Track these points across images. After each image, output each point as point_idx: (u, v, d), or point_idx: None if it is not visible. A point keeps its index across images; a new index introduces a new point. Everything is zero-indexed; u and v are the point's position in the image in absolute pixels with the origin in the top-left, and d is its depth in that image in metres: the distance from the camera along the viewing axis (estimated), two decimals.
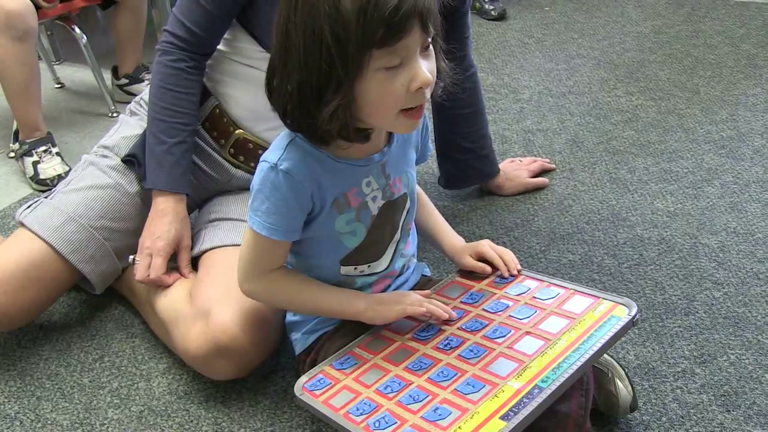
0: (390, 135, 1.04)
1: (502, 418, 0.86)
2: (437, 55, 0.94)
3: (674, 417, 1.15)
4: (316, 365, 1.06)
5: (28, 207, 1.37)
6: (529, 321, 1.03)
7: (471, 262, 1.16)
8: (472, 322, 1.05)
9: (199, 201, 1.48)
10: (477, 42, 2.78)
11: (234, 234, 1.33)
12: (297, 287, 1.06)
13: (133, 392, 1.27)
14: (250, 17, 1.32)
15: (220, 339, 1.15)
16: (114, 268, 1.38)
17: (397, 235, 1.09)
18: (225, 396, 1.25)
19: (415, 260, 1.19)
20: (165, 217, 1.31)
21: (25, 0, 1.95)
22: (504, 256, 1.15)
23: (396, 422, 0.91)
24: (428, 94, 0.92)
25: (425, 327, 1.06)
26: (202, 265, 1.31)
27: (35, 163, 2.00)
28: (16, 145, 2.07)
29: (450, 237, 1.21)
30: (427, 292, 1.11)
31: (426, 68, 0.89)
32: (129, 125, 1.44)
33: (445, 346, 1.02)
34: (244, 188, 1.39)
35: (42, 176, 1.99)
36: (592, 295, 1.06)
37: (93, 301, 1.49)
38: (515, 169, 1.82)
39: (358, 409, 0.94)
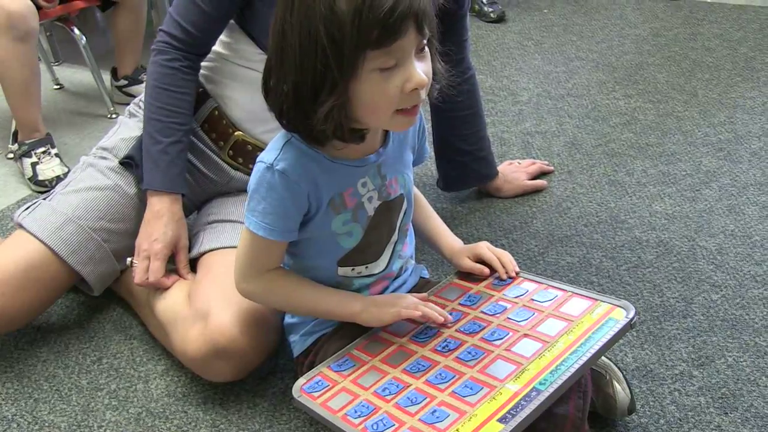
0: (386, 136, 1.04)
1: (500, 420, 0.86)
2: (433, 57, 0.94)
3: (672, 419, 1.15)
4: (314, 367, 1.06)
5: (27, 208, 1.37)
6: (527, 323, 1.03)
7: (469, 264, 1.16)
8: (470, 324, 1.05)
9: (197, 203, 1.48)
10: (476, 44, 2.79)
11: (233, 236, 1.33)
12: (293, 288, 1.06)
13: (131, 394, 1.27)
14: (249, 19, 1.33)
15: (219, 341, 1.15)
16: (112, 270, 1.38)
17: (395, 236, 1.09)
18: (223, 398, 1.25)
19: (413, 262, 1.19)
20: (161, 218, 1.31)
21: (27, 1, 1.96)
22: (502, 258, 1.15)
23: (394, 424, 0.91)
24: (423, 95, 0.92)
25: (423, 329, 1.06)
26: (201, 266, 1.31)
27: (34, 164, 2.00)
28: (15, 146, 2.07)
29: (448, 239, 1.21)
30: (424, 295, 1.11)
31: (421, 69, 0.90)
32: (128, 127, 1.44)
33: (443, 348, 1.02)
34: (243, 190, 1.39)
35: (41, 177, 1.99)
36: (590, 298, 1.06)
37: (91, 302, 1.49)
38: (514, 171, 1.82)
39: (356, 412, 0.94)
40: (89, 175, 1.38)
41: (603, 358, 1.10)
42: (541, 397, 0.88)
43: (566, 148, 2.00)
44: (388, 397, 0.95)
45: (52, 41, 2.81)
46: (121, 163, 1.38)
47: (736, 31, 2.76)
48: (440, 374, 0.97)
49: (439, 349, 1.02)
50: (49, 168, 2.00)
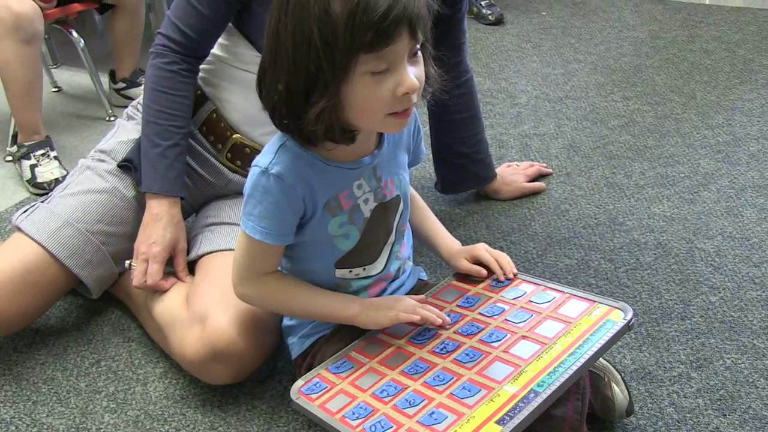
0: (380, 138, 1.04)
1: (498, 422, 0.86)
2: (426, 61, 0.95)
3: (670, 421, 1.15)
4: (312, 369, 1.06)
5: (25, 211, 1.37)
6: (524, 325, 1.03)
7: (467, 266, 1.16)
8: (468, 326, 1.05)
9: (196, 205, 1.48)
10: (474, 46, 2.79)
11: (231, 238, 1.33)
12: (290, 291, 1.06)
13: (129, 397, 1.27)
14: (246, 21, 1.33)
15: (217, 343, 1.15)
16: (111, 273, 1.38)
17: (392, 238, 1.09)
18: (222, 400, 1.25)
19: (411, 263, 1.19)
20: (160, 221, 1.30)
21: (33, 3, 1.97)
22: (500, 259, 1.15)
23: (392, 426, 0.91)
24: (415, 99, 0.93)
25: (421, 331, 1.06)
26: (199, 269, 1.31)
27: (33, 167, 2.00)
28: (14, 148, 2.07)
29: (446, 240, 1.21)
30: (422, 297, 1.11)
31: (413, 74, 0.90)
32: (126, 129, 1.44)
33: (441, 350, 1.02)
34: (241, 192, 1.37)
35: (39, 180, 1.99)
36: (587, 299, 1.06)
37: (90, 305, 1.49)
38: (512, 173, 1.82)
39: (354, 414, 0.95)
40: (87, 178, 1.38)
41: (601, 359, 1.10)
42: (539, 399, 0.88)
43: (564, 151, 2.00)
44: (386, 399, 0.95)
45: (50, 44, 2.81)
46: (120, 166, 1.38)
47: (734, 33, 2.76)
48: (438, 376, 0.97)
49: (437, 350, 1.02)
50: (47, 170, 2.00)
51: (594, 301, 1.05)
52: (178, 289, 1.30)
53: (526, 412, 0.87)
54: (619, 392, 1.10)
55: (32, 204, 1.39)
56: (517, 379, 0.93)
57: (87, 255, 1.33)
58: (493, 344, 1.00)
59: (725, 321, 1.35)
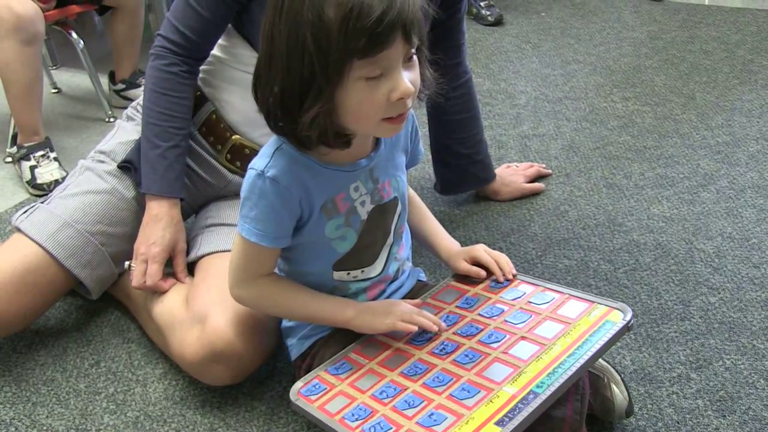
0: (377, 140, 1.04)
1: (497, 423, 0.86)
2: (422, 64, 0.94)
3: (670, 422, 1.15)
4: (311, 370, 1.06)
5: (25, 212, 1.37)
6: (524, 326, 1.03)
7: (466, 267, 1.16)
8: (467, 327, 1.05)
9: (195, 206, 1.48)
10: (473, 47, 2.79)
11: (230, 239, 1.32)
12: (286, 294, 1.06)
13: (129, 398, 1.27)
14: (245, 22, 1.33)
15: (216, 344, 1.15)
16: (110, 273, 1.38)
17: (390, 239, 1.09)
18: (221, 401, 1.25)
19: (410, 264, 1.19)
20: (159, 222, 1.30)
21: (34, 5, 1.98)
22: (499, 260, 1.15)
23: (391, 428, 0.91)
24: (410, 103, 0.93)
25: (420, 332, 1.06)
26: (199, 270, 1.31)
27: (32, 168, 2.00)
28: (14, 149, 2.07)
29: (445, 241, 1.21)
30: (418, 301, 1.10)
31: (408, 79, 0.90)
32: (126, 130, 1.44)
33: (441, 351, 1.02)
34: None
35: (39, 181, 1.99)
36: (587, 300, 1.06)
37: (89, 306, 1.49)
38: (511, 174, 1.82)
39: (353, 415, 0.95)
40: (87, 179, 1.38)
41: (601, 360, 1.10)
42: (539, 400, 0.88)
43: (564, 151, 2.00)
44: (386, 401, 0.95)
45: (50, 45, 2.81)
46: (120, 167, 1.38)
47: (733, 34, 2.76)
48: (437, 377, 0.97)
49: (436, 352, 1.02)
50: (47, 172, 2.00)
51: (593, 302, 1.05)
52: (178, 290, 1.30)
53: (525, 413, 0.87)
54: (618, 393, 1.10)
55: (32, 205, 1.39)
56: (516, 380, 0.93)
57: (86, 256, 1.33)
58: (492, 345, 1.00)
59: (725, 322, 1.35)
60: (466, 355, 0.99)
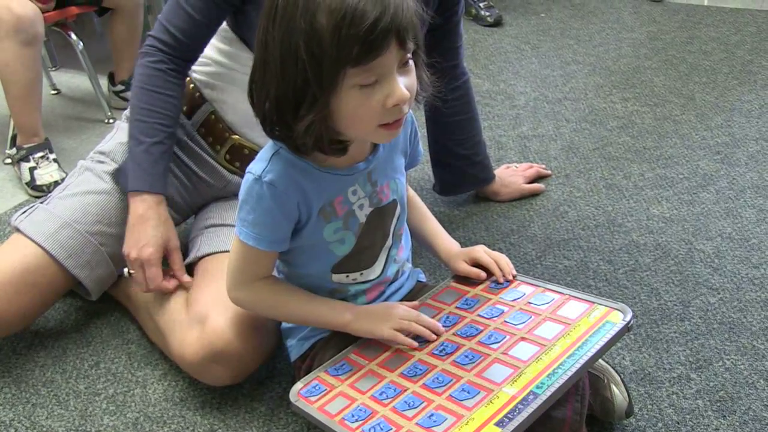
0: (376, 143, 1.04)
1: (497, 424, 0.86)
2: (419, 68, 0.94)
3: (670, 422, 1.15)
4: (311, 371, 1.06)
5: (24, 212, 1.37)
6: (524, 327, 1.03)
7: (465, 268, 1.16)
8: (467, 327, 1.05)
9: (195, 207, 1.48)
10: (473, 48, 2.79)
11: (230, 240, 1.31)
12: (282, 297, 1.06)
13: (128, 399, 1.27)
14: (241, 24, 1.33)
15: (216, 345, 1.15)
16: (110, 274, 1.38)
17: (389, 242, 1.09)
18: (221, 402, 1.25)
19: (409, 265, 1.19)
20: (147, 221, 1.27)
21: (33, 6, 1.98)
22: (499, 261, 1.15)
23: (391, 428, 0.91)
24: (406, 109, 0.92)
25: None
26: (199, 271, 1.31)
27: (32, 169, 2.00)
28: (13, 151, 2.07)
29: (445, 241, 1.21)
30: (416, 303, 1.10)
31: (404, 84, 0.89)
32: (125, 131, 1.44)
33: (441, 351, 1.02)
34: None
35: (38, 182, 1.98)
36: (587, 301, 1.06)
37: (89, 307, 1.49)
38: (511, 175, 1.82)
39: (353, 416, 0.94)
40: (86, 179, 1.38)
41: (601, 361, 1.10)
42: (539, 401, 0.88)
43: (563, 152, 2.00)
44: (386, 401, 0.95)
45: (49, 46, 2.81)
46: (113, 173, 1.37)
47: (733, 34, 2.77)
48: (437, 378, 0.97)
49: (436, 352, 1.01)
50: (47, 173, 2.00)
51: (593, 303, 1.05)
52: (178, 291, 1.30)
53: (525, 414, 0.87)
54: (618, 393, 1.10)
55: (31, 205, 1.39)
56: (516, 380, 0.93)
57: (85, 256, 1.33)
58: (492, 346, 1.00)
59: (725, 322, 1.35)
60: (466, 356, 0.99)
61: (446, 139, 1.68)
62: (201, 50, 1.34)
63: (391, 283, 1.13)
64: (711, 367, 1.25)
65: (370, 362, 1.03)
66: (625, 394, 1.11)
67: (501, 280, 1.13)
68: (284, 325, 1.16)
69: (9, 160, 2.12)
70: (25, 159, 2.02)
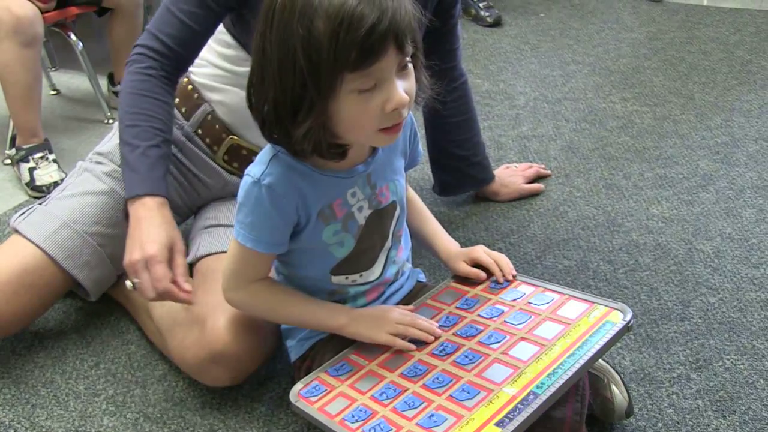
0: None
1: (497, 424, 0.86)
2: (418, 70, 0.93)
3: (670, 422, 1.15)
4: (311, 372, 1.06)
5: (22, 213, 1.37)
6: (524, 327, 1.03)
7: (465, 269, 1.16)
8: (467, 327, 1.05)
9: (194, 208, 1.48)
10: (472, 48, 2.79)
11: (230, 241, 1.32)
12: (279, 299, 1.06)
13: (128, 399, 1.27)
14: (236, 23, 1.33)
15: (215, 346, 1.15)
16: (109, 275, 1.38)
17: (388, 243, 1.09)
18: (221, 403, 1.25)
19: (409, 265, 1.19)
20: (150, 221, 1.17)
21: (33, 6, 1.98)
22: (499, 261, 1.15)
23: (391, 429, 0.91)
24: (405, 113, 0.92)
25: None
26: (198, 272, 1.31)
27: (31, 170, 2.00)
28: (13, 151, 2.07)
29: (445, 242, 1.21)
30: (411, 306, 1.10)
31: (402, 88, 0.89)
32: None
33: (441, 352, 1.01)
34: None
35: (38, 183, 1.98)
36: (587, 301, 1.06)
37: (88, 307, 1.49)
38: (510, 175, 1.82)
39: (353, 416, 0.94)
40: (85, 180, 1.38)
41: (600, 361, 1.10)
42: (539, 401, 0.88)
43: (563, 152, 2.00)
44: (386, 402, 0.95)
45: (48, 47, 2.81)
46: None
47: (732, 34, 2.77)
48: (437, 378, 0.97)
49: (436, 353, 1.01)
50: (46, 173, 2.00)
51: (593, 303, 1.05)
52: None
53: (525, 414, 0.87)
54: (618, 393, 1.10)
55: (30, 206, 1.39)
56: (516, 380, 0.93)
57: (84, 256, 1.33)
58: (492, 346, 1.00)
59: (724, 322, 1.35)
60: (466, 356, 0.99)
61: (445, 141, 1.68)
62: (193, 60, 1.31)
63: (391, 283, 1.13)
64: (711, 367, 1.25)
65: (370, 363, 1.03)
66: (625, 394, 1.11)
67: (501, 280, 1.13)
68: (284, 325, 1.16)
69: (8, 161, 2.12)
70: (25, 159, 2.02)
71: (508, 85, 2.47)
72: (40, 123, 2.07)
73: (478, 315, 1.07)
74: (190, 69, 1.38)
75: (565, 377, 0.91)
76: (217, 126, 1.40)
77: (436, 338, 1.04)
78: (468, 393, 0.92)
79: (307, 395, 1.01)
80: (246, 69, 1.33)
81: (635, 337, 1.32)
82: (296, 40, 0.84)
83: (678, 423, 1.15)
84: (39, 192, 1.96)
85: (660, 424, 1.15)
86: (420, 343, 1.04)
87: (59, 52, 2.85)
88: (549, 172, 1.90)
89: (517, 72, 2.57)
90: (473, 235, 1.66)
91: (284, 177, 0.97)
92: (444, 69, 1.50)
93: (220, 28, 1.34)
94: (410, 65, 0.91)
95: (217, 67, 1.39)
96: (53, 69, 2.83)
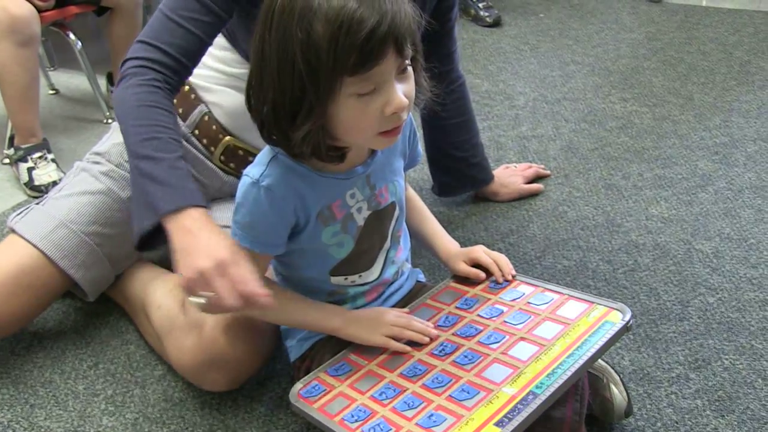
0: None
1: (497, 424, 0.86)
2: (418, 72, 0.93)
3: (669, 422, 1.15)
4: (311, 372, 1.06)
5: (19, 213, 1.37)
6: (523, 326, 1.03)
7: (465, 269, 1.16)
8: (466, 327, 1.05)
9: None
10: (472, 48, 2.79)
11: None
12: (275, 300, 1.06)
13: (127, 399, 1.27)
14: (232, 23, 1.32)
15: (213, 351, 1.14)
16: (106, 274, 1.38)
17: (387, 244, 1.09)
18: (220, 403, 1.24)
19: (409, 265, 1.19)
20: (210, 229, 1.01)
21: (30, 6, 1.98)
22: (498, 261, 1.15)
23: (391, 429, 0.91)
24: (405, 116, 0.91)
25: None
26: None
27: (30, 169, 2.00)
28: (11, 151, 2.07)
29: (445, 242, 1.21)
30: (406, 309, 1.10)
31: (402, 91, 0.89)
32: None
33: (440, 352, 1.02)
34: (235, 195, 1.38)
35: (36, 182, 1.98)
36: (586, 301, 1.06)
37: (87, 307, 1.49)
38: (510, 175, 1.82)
39: (353, 416, 0.94)
40: (82, 180, 1.38)
41: (600, 361, 1.10)
42: (538, 401, 0.88)
43: (562, 152, 2.00)
44: (385, 402, 0.95)
45: (47, 46, 2.81)
46: (140, 247, 1.13)
47: (731, 35, 2.77)
48: (437, 378, 0.97)
49: (435, 353, 1.02)
50: (45, 173, 1.99)
51: (592, 303, 1.05)
52: (174, 295, 1.28)
53: (525, 414, 0.87)
54: (617, 393, 1.10)
55: (27, 206, 1.38)
56: (515, 380, 0.93)
57: (81, 256, 1.32)
58: (491, 346, 1.00)
59: (723, 322, 1.35)
60: (466, 356, 0.99)
61: (443, 142, 1.68)
62: (191, 68, 1.21)
63: (390, 284, 1.13)
64: (710, 366, 1.25)
65: (370, 362, 1.03)
66: (624, 394, 1.11)
67: (500, 280, 1.13)
68: (283, 326, 1.16)
69: (7, 161, 2.12)
70: (23, 159, 2.02)
71: (507, 85, 2.47)
72: (38, 123, 2.07)
73: (478, 315, 1.07)
74: None
75: (565, 377, 0.91)
76: (213, 127, 1.40)
77: (432, 339, 1.04)
78: (467, 393, 0.93)
79: (307, 395, 1.01)
80: (240, 71, 1.34)
81: (634, 337, 1.32)
82: (295, 43, 0.84)
83: (677, 423, 1.15)
84: (37, 192, 1.96)
85: (659, 424, 1.15)
86: (417, 344, 1.04)
87: (58, 52, 2.85)
88: (548, 172, 1.90)
89: (516, 72, 2.57)
90: (473, 235, 1.66)
91: (283, 179, 0.97)
92: (442, 72, 1.50)
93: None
94: (410, 68, 0.91)
95: (211, 68, 1.39)
96: (52, 68, 2.83)
